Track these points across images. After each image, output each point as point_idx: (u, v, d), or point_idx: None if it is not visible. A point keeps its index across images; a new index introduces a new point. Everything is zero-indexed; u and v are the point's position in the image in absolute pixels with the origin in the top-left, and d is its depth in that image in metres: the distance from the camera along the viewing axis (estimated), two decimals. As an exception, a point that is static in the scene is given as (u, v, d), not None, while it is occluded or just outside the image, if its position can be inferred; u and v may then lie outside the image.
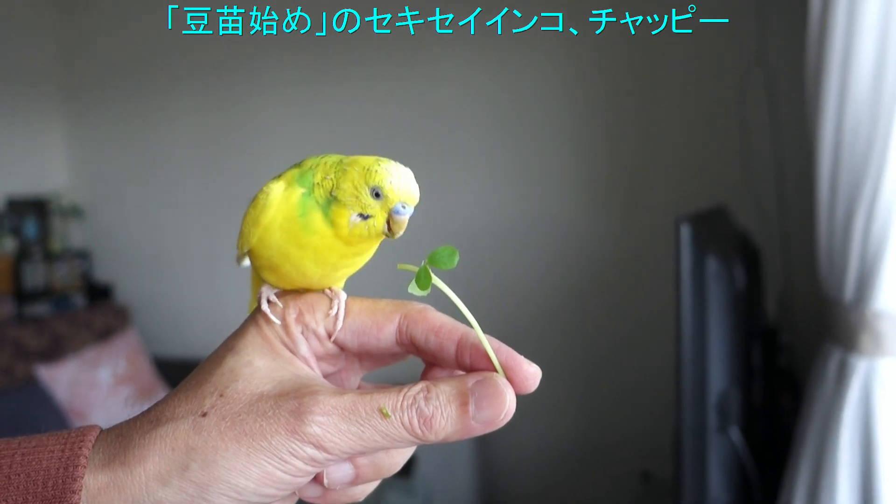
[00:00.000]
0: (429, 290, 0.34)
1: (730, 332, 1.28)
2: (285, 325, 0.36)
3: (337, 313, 0.36)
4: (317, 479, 0.35)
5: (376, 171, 0.35)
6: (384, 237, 0.37)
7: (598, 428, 2.30)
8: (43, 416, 2.27)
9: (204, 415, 0.32)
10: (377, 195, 0.35)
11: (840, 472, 1.10)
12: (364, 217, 0.35)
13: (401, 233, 0.36)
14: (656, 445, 2.02)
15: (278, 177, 0.38)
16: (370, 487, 0.37)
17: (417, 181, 0.36)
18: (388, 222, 0.36)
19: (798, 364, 1.73)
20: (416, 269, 0.34)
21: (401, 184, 0.35)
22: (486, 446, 2.42)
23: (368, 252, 0.38)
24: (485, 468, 2.43)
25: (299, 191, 0.36)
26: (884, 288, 1.07)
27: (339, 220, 0.35)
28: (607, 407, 2.28)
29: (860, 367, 1.10)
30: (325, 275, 0.37)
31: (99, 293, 3.11)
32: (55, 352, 2.51)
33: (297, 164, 0.38)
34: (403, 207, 0.35)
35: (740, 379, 1.33)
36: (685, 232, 1.20)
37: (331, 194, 0.36)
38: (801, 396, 1.30)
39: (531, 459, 2.41)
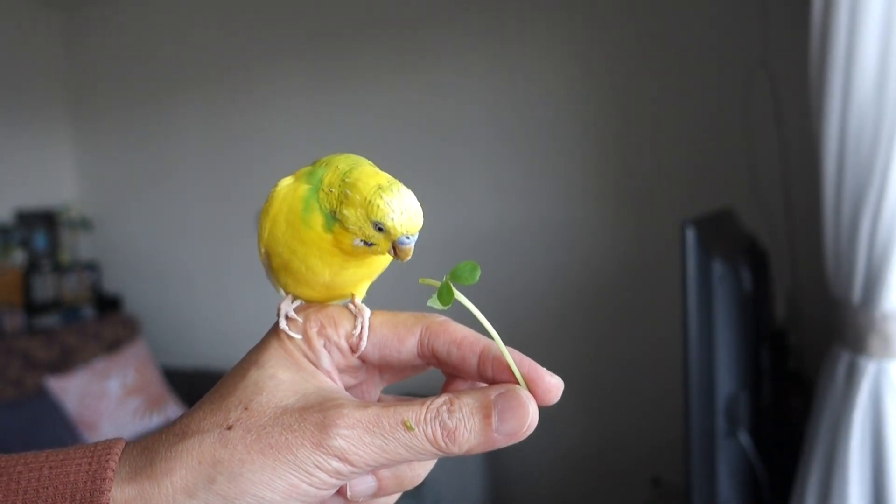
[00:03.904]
0: (451, 305, 0.34)
1: (737, 335, 1.28)
2: (307, 339, 0.36)
3: (360, 333, 0.36)
4: (340, 491, 0.35)
5: (378, 206, 0.34)
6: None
7: (608, 434, 2.29)
8: (52, 427, 2.28)
9: (229, 428, 0.32)
10: (380, 229, 0.35)
11: (851, 475, 1.10)
12: (368, 244, 0.36)
13: (408, 258, 0.36)
14: (666, 451, 2.02)
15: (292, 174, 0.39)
16: (392, 500, 0.38)
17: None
18: (393, 248, 0.36)
19: (807, 366, 1.72)
20: (437, 283, 0.35)
21: (403, 220, 0.35)
22: (495, 453, 2.41)
23: (375, 260, 0.38)
24: (494, 475, 2.43)
25: (305, 186, 0.37)
26: (891, 289, 1.07)
27: (343, 241, 0.36)
28: (616, 413, 2.27)
29: (869, 369, 1.10)
30: (334, 273, 0.37)
31: (108, 304, 3.12)
32: (65, 363, 2.52)
33: (312, 164, 0.39)
34: (408, 238, 0.35)
35: (749, 382, 1.33)
36: (690, 235, 1.20)
37: (334, 215, 0.36)
38: (810, 399, 1.30)
39: (541, 466, 2.40)
